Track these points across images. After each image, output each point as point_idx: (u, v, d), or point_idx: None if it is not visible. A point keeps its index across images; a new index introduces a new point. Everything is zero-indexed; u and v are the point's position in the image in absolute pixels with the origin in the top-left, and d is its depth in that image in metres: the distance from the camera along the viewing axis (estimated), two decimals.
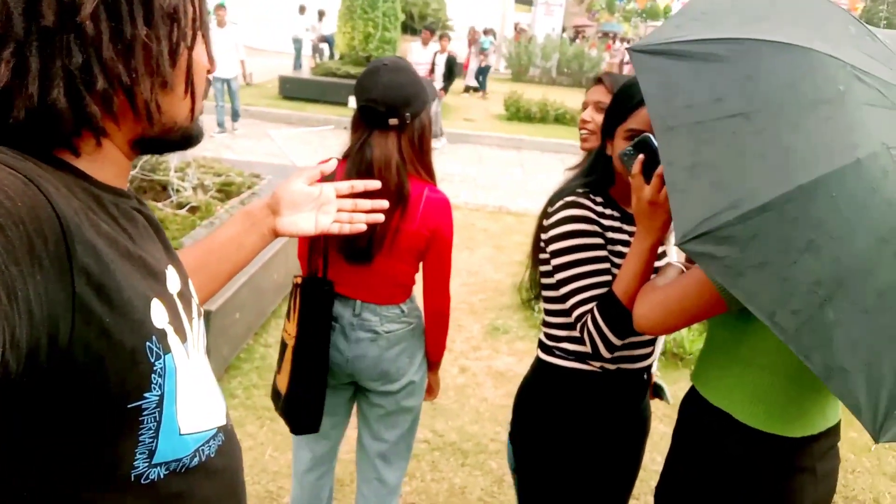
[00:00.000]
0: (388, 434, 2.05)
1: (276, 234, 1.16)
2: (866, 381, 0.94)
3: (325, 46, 16.73)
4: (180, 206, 4.13)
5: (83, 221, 0.64)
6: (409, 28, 14.07)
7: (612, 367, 1.59)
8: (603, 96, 1.91)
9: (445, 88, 10.82)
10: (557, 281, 1.52)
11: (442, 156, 9.53)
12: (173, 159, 4.49)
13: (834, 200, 0.95)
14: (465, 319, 4.30)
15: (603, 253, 1.49)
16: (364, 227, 1.23)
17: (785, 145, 0.98)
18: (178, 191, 4.31)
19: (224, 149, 8.20)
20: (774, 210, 0.94)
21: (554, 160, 9.94)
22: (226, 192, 4.64)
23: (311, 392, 1.84)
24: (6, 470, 0.66)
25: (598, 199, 1.54)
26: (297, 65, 16.22)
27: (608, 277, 1.48)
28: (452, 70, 10.54)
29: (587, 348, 1.47)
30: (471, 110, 13.17)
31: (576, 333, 1.52)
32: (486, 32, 16.11)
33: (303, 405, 1.85)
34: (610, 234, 1.53)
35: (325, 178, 1.27)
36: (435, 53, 10.51)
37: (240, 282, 3.41)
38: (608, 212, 1.54)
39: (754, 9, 1.19)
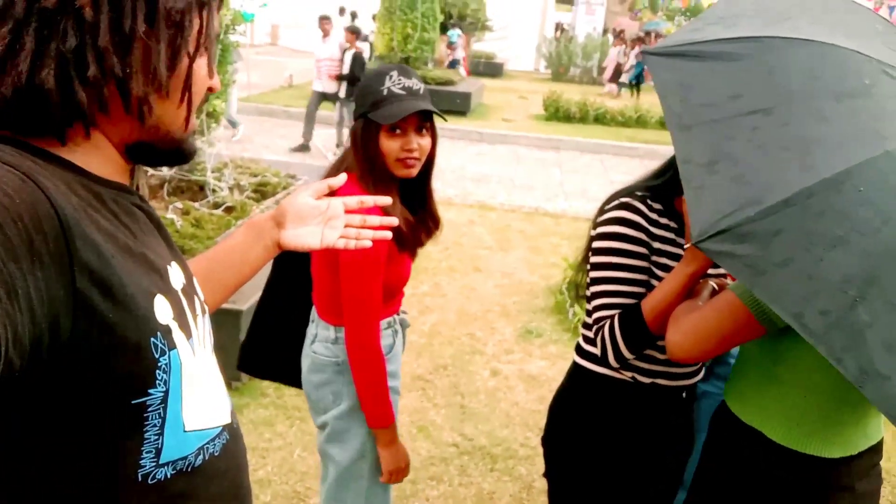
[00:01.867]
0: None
1: (280, 248, 1.13)
2: None
3: (365, 46, 16.84)
4: (216, 205, 4.18)
5: (83, 217, 0.65)
6: (447, 28, 14.03)
7: (645, 380, 1.53)
8: None
9: (350, 92, 8.55)
10: (590, 279, 1.49)
11: (480, 156, 9.49)
12: (210, 160, 4.55)
13: (862, 194, 0.89)
14: (498, 322, 4.25)
15: (642, 264, 1.44)
16: (369, 244, 1.18)
17: (809, 138, 0.94)
18: (214, 191, 4.36)
19: (263, 150, 8.30)
20: (798, 204, 0.89)
21: (593, 161, 9.81)
22: (262, 192, 4.68)
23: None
24: (11, 471, 0.66)
25: (656, 206, 1.46)
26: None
27: (640, 289, 1.43)
28: (354, 71, 8.58)
29: (597, 350, 1.44)
30: (509, 110, 13.10)
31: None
32: (452, 26, 15.53)
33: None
34: (658, 245, 1.46)
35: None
36: (344, 50, 8.84)
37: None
38: (663, 221, 1.47)
39: (775, 10, 1.16)
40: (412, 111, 1.56)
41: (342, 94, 8.82)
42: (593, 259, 1.49)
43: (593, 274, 1.49)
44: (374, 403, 1.65)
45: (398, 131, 1.58)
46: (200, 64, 0.76)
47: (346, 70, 8.72)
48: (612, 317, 1.42)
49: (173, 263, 0.80)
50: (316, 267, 1.72)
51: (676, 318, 1.29)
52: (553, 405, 1.69)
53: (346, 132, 7.66)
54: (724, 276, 1.48)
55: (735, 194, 0.92)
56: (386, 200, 1.24)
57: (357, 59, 8.74)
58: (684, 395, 1.61)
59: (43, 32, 0.65)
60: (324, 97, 9.09)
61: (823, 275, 0.88)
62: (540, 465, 2.94)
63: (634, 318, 1.38)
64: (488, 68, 18.19)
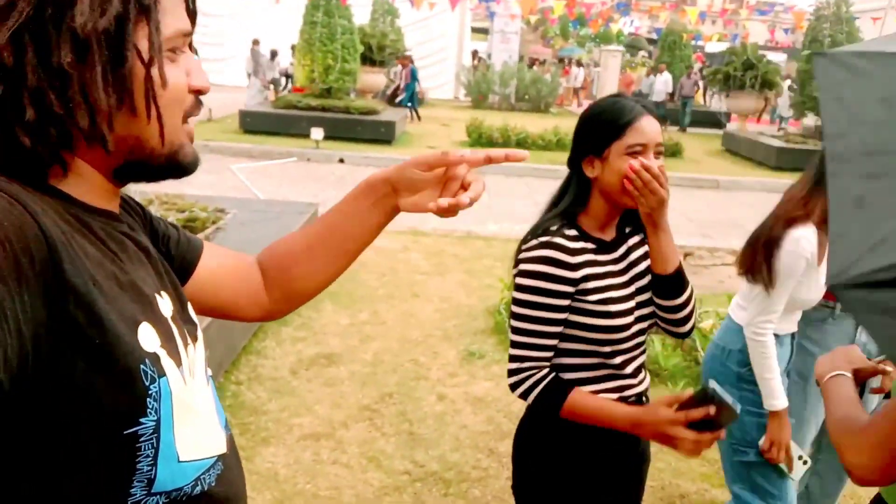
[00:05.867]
0: None
1: (398, 211, 1.03)
2: None
3: (283, 80, 16.72)
4: None
5: (70, 243, 0.64)
6: (367, 59, 14.13)
7: (613, 396, 1.56)
8: None
9: None
10: (513, 314, 1.53)
11: None
12: (135, 196, 4.38)
13: None
14: (440, 346, 4.25)
15: (564, 302, 1.49)
16: (466, 203, 0.95)
17: None
18: None
19: (185, 185, 8.07)
20: None
21: (518, 184, 10.02)
22: (190, 227, 4.54)
23: None
24: None
25: (572, 233, 1.52)
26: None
27: (558, 328, 1.51)
28: None
29: (517, 381, 1.53)
30: (433, 138, 13.25)
31: (563, 375, 1.54)
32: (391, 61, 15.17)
33: None
34: (583, 272, 1.50)
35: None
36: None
37: (207, 318, 3.32)
38: (580, 246, 1.52)
39: None
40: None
41: None
42: (517, 295, 1.52)
43: (516, 310, 1.52)
44: None
45: None
46: (168, 69, 0.72)
47: None
48: (541, 377, 1.50)
49: (162, 293, 0.78)
50: None
51: (850, 435, 1.16)
52: (517, 450, 1.66)
53: None
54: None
55: (882, 234, 0.78)
56: (523, 154, 1.03)
57: None
58: (644, 399, 1.65)
59: None
60: None
61: None
62: (493, 486, 2.94)
63: (555, 396, 1.49)
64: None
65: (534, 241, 1.51)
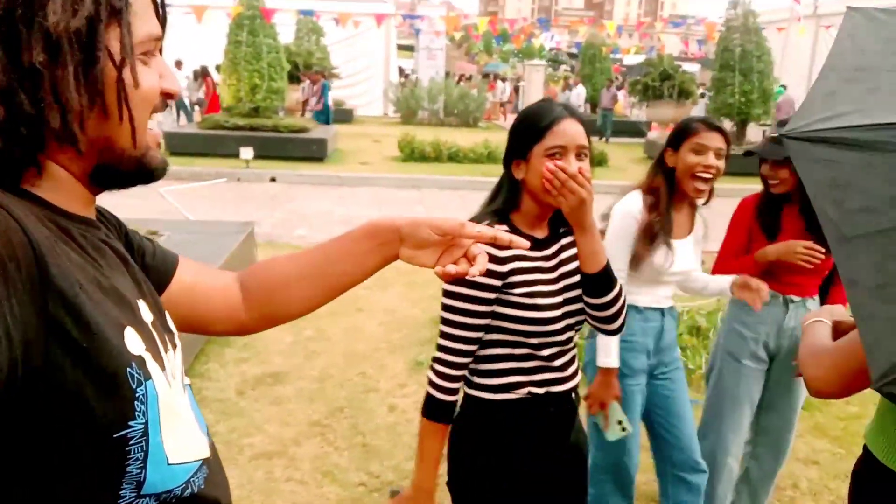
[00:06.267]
0: None
1: (396, 259, 1.04)
2: None
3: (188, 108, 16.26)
4: None
5: (54, 247, 0.65)
6: (294, 77, 14.03)
7: (540, 391, 1.61)
8: (721, 143, 2.15)
9: None
10: (443, 307, 1.57)
11: (342, 200, 9.50)
12: None
13: None
14: (387, 358, 4.26)
15: (491, 296, 1.53)
16: (475, 273, 1.00)
17: None
18: None
19: (113, 209, 7.80)
20: None
21: (453, 196, 10.12)
22: None
23: None
24: None
25: (502, 229, 1.57)
26: (181, 118, 15.80)
27: (480, 334, 1.57)
28: None
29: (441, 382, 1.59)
30: (365, 154, 13.24)
31: (492, 366, 1.60)
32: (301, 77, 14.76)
33: None
34: (510, 266, 1.54)
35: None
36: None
37: None
38: None
39: None
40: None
41: None
42: (446, 287, 1.54)
43: (446, 301, 1.56)
44: None
45: None
46: (141, 71, 0.73)
47: None
48: (454, 389, 1.59)
49: (140, 301, 0.78)
50: None
51: (812, 355, 1.28)
52: (451, 446, 1.68)
53: None
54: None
55: None
56: (524, 244, 1.08)
57: None
58: (573, 396, 1.70)
59: None
60: None
61: None
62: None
63: (442, 413, 1.58)
64: (339, 115, 18.29)
65: None
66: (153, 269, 0.97)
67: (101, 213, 0.88)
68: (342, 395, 3.76)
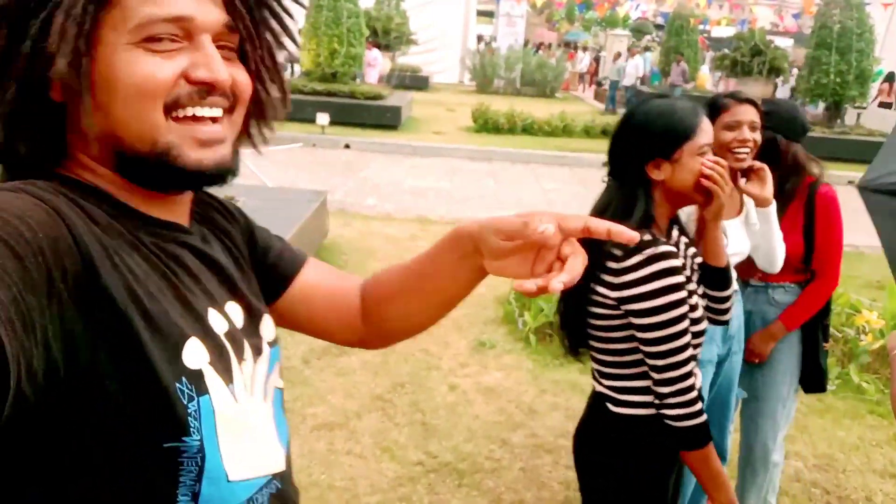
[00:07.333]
0: None
1: (486, 273, 0.88)
2: None
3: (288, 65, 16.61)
4: None
5: (111, 256, 0.64)
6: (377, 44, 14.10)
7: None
8: (755, 115, 2.08)
9: None
10: (652, 339, 1.46)
11: (415, 170, 9.52)
12: None
13: None
14: (450, 336, 4.27)
15: (687, 309, 1.47)
16: (558, 289, 0.74)
17: None
18: None
19: None
20: None
21: (525, 170, 10.00)
22: None
23: None
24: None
25: (680, 237, 1.63)
26: None
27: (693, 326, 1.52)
28: None
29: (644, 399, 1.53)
30: (439, 123, 13.20)
31: (645, 383, 1.52)
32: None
33: None
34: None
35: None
36: None
37: None
38: (688, 248, 1.63)
39: None
40: None
41: None
42: (649, 320, 1.44)
43: (656, 334, 1.44)
44: None
45: None
46: (135, 60, 0.66)
47: None
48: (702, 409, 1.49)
49: (220, 307, 0.76)
50: None
51: None
52: (579, 455, 1.68)
53: None
54: None
55: None
56: (633, 236, 0.84)
57: None
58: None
59: None
60: None
61: None
62: (506, 477, 2.97)
63: (703, 437, 1.48)
64: (414, 82, 18.28)
65: (643, 257, 1.44)
66: (275, 267, 0.94)
67: (219, 211, 0.88)
68: (405, 370, 3.80)
